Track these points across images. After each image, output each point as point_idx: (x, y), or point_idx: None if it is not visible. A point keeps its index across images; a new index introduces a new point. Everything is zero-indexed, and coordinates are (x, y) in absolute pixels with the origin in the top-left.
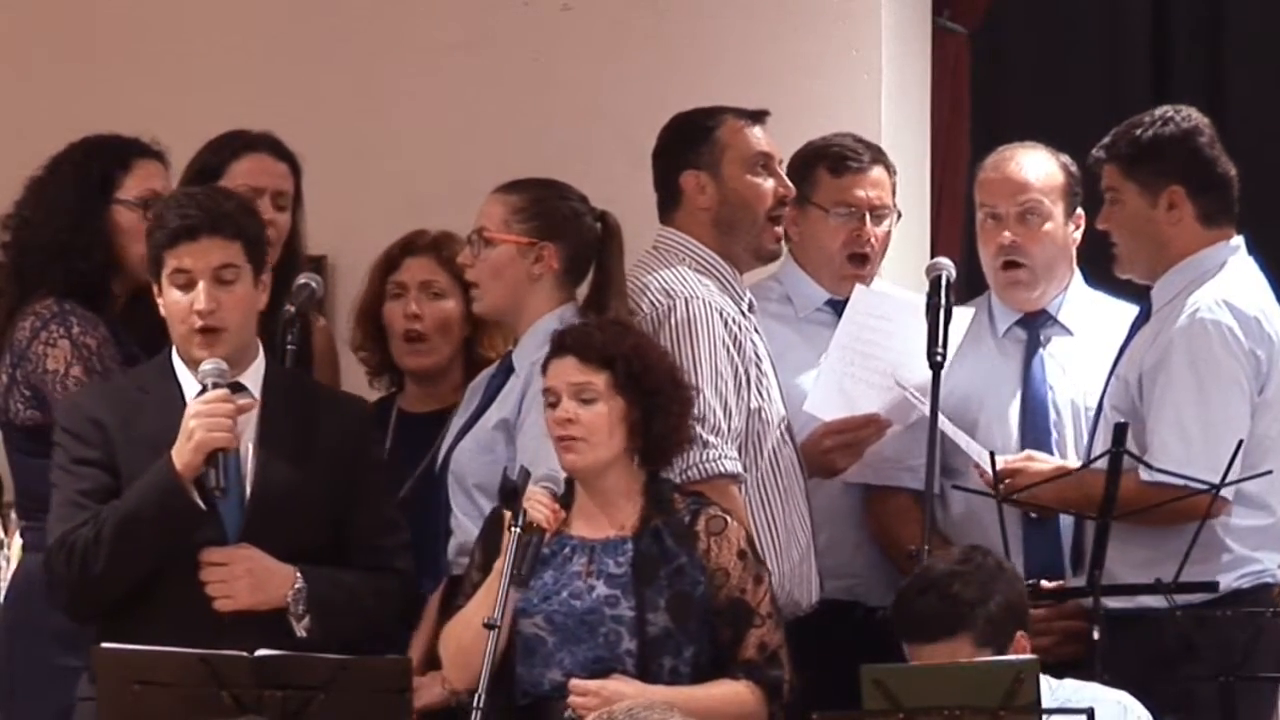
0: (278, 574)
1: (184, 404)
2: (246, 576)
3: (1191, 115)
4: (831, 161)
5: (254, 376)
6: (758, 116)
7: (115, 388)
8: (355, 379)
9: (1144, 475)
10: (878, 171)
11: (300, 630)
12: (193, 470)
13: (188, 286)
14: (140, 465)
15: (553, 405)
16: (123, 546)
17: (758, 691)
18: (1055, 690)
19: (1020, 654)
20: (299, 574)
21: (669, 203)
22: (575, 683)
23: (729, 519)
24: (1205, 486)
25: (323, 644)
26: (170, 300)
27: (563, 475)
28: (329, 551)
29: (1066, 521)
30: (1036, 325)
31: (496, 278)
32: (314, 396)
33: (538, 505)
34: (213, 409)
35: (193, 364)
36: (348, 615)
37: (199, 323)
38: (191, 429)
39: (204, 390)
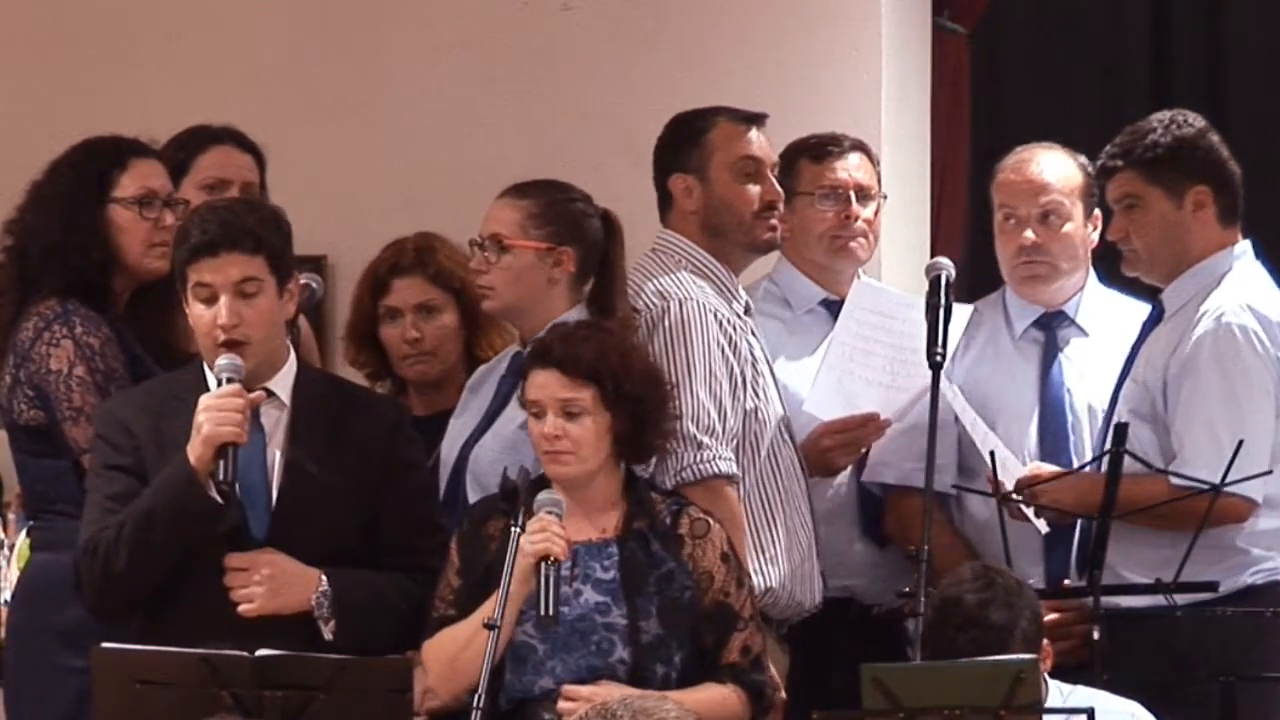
0: (301, 578)
1: None
2: (268, 581)
3: (1197, 118)
4: (812, 151)
5: (284, 382)
6: (755, 119)
7: (149, 394)
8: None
9: (1175, 481)
10: (858, 156)
11: (327, 633)
12: (205, 464)
13: (210, 301)
14: None
15: (536, 416)
16: (141, 542)
17: (743, 695)
18: (1068, 697)
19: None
20: (323, 577)
21: (664, 205)
22: (567, 688)
23: (710, 521)
24: (1216, 487)
25: (354, 646)
26: (195, 314)
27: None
28: (361, 554)
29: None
30: (1054, 326)
31: (516, 283)
32: (347, 399)
33: (553, 537)
34: (222, 403)
35: None
36: (376, 616)
37: (222, 336)
38: (200, 423)
39: (219, 384)
